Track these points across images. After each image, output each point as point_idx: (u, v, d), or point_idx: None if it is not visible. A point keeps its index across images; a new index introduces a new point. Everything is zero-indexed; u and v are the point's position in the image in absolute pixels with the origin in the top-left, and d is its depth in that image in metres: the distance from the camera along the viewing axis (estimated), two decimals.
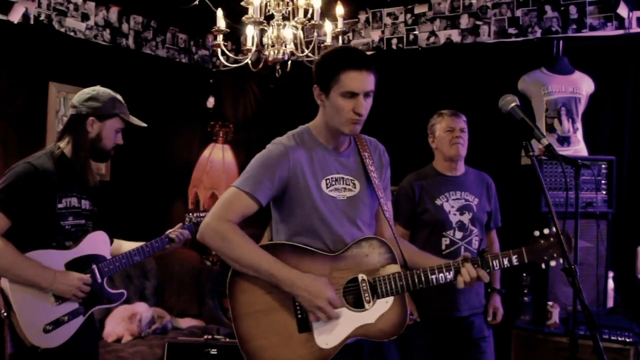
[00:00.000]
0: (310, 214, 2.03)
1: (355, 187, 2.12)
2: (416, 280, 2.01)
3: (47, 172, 2.36)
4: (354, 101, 1.98)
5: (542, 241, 1.99)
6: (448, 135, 3.06)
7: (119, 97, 2.56)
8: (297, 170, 2.03)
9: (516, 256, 2.02)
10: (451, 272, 2.03)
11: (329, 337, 1.99)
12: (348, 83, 1.97)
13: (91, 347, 2.61)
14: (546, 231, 1.99)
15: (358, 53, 2.03)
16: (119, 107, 2.53)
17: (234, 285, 2.03)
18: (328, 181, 2.07)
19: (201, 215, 2.91)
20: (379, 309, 2.02)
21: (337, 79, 1.98)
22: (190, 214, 2.93)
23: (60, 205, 2.39)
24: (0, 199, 2.28)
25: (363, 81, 1.98)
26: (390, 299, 2.03)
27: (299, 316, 2.00)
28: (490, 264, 2.02)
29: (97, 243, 2.52)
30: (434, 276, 2.02)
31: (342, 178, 2.10)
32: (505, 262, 2.02)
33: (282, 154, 2.04)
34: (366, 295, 2.01)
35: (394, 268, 2.05)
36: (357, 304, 2.02)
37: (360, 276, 2.03)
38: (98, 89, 2.54)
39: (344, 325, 2.00)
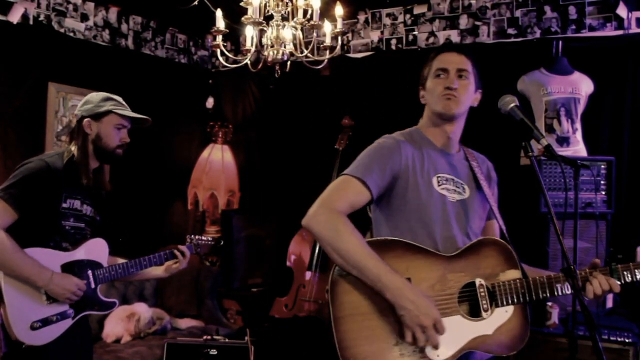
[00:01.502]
0: (422, 210, 1.91)
1: (464, 192, 2.00)
2: (539, 289, 1.84)
3: (58, 170, 2.41)
4: (445, 77, 1.98)
5: None
6: None
7: (113, 96, 2.58)
8: (409, 164, 1.94)
9: None
10: (578, 281, 1.80)
11: (441, 347, 1.77)
12: (439, 61, 2.01)
13: (82, 352, 2.59)
14: None
15: (451, 43, 2.07)
16: (111, 105, 2.53)
17: (336, 284, 1.83)
18: (439, 179, 1.97)
19: (201, 238, 2.92)
20: (497, 319, 1.84)
21: (430, 65, 2.03)
22: (192, 236, 2.91)
23: (64, 205, 2.42)
24: (12, 193, 2.30)
25: (452, 59, 2.00)
26: (510, 309, 1.85)
27: None
28: (621, 275, 1.84)
29: (96, 249, 2.55)
30: (559, 285, 1.84)
31: (453, 179, 1.99)
32: (638, 275, 1.83)
33: (394, 147, 1.95)
34: (484, 302, 1.83)
35: (515, 274, 1.87)
36: (474, 313, 1.83)
37: (478, 281, 1.85)
38: (92, 93, 2.58)
39: (458, 335, 1.79)
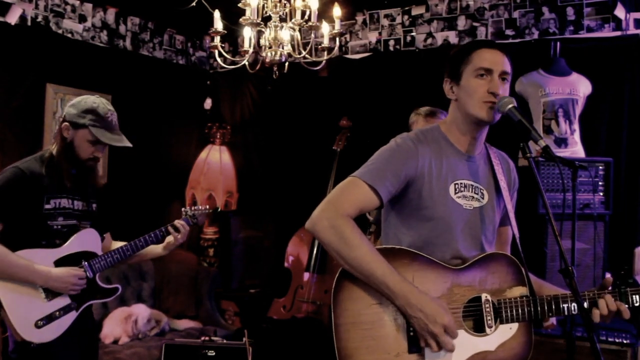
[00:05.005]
0: (434, 219, 1.85)
1: (483, 198, 1.92)
2: (546, 308, 1.79)
3: (35, 175, 2.40)
4: (488, 80, 1.82)
5: None
6: None
7: (98, 107, 2.46)
8: (425, 170, 1.84)
9: None
10: (585, 303, 1.76)
11: None
12: (482, 59, 1.83)
13: (89, 342, 2.66)
14: None
15: (491, 40, 1.89)
16: (91, 120, 2.44)
17: (340, 291, 1.77)
18: (457, 186, 1.88)
19: (197, 208, 2.90)
20: (501, 336, 1.80)
21: (468, 59, 1.85)
22: (187, 208, 2.90)
23: (47, 206, 2.42)
24: None
25: (497, 59, 1.83)
26: (515, 326, 1.81)
27: (411, 334, 1.75)
28: (630, 299, 1.77)
29: (86, 240, 2.55)
30: (565, 305, 1.79)
31: (472, 185, 1.91)
32: None
33: (411, 151, 1.84)
34: (488, 318, 1.79)
35: (522, 290, 1.84)
36: (477, 328, 1.80)
37: (484, 296, 1.81)
38: (88, 98, 2.50)
39: (460, 350, 1.75)
